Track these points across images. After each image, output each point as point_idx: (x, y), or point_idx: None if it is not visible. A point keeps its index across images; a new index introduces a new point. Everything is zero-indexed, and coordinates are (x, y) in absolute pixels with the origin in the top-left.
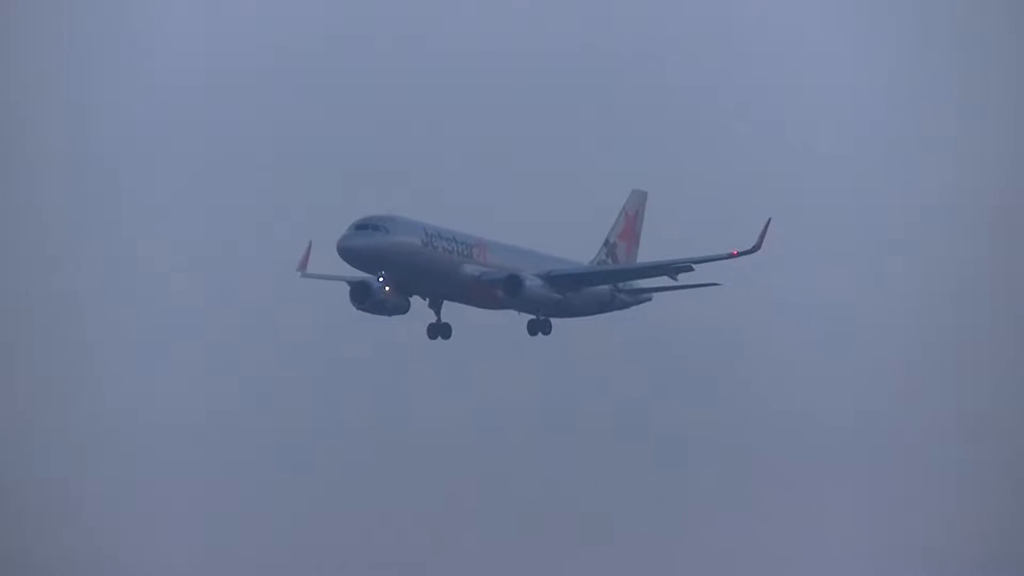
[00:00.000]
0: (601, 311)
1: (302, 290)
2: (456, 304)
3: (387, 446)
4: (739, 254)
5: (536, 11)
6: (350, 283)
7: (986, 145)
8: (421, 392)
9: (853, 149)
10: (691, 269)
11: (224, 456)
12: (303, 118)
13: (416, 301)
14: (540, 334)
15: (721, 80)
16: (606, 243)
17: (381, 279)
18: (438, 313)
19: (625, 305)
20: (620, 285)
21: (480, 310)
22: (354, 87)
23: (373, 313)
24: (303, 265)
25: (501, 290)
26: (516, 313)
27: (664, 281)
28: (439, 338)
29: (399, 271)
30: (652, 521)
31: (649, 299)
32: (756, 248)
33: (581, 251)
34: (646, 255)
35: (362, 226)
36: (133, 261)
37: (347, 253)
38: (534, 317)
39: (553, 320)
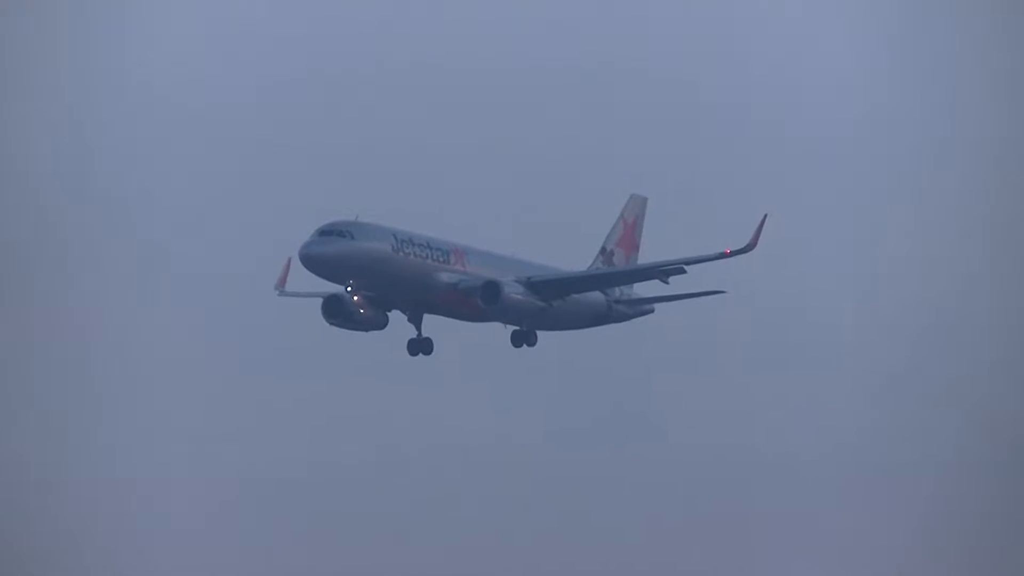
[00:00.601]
0: (597, 323)
1: (280, 309)
2: (438, 317)
3: (368, 471)
4: (732, 253)
5: (529, 12)
6: (323, 297)
7: (986, 141)
8: (402, 414)
9: (858, 150)
10: (683, 271)
11: (205, 477)
12: (287, 128)
13: (396, 316)
14: (525, 345)
15: (722, 81)
16: (602, 251)
17: (349, 289)
18: (418, 327)
19: (624, 317)
20: (617, 295)
21: (463, 323)
22: (342, 91)
23: (347, 328)
24: (282, 283)
25: (479, 297)
26: (503, 326)
27: (665, 289)
28: (420, 354)
29: (368, 280)
30: (647, 550)
31: (651, 311)
32: (751, 247)
33: (576, 260)
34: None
35: (326, 232)
36: (111, 279)
37: (309, 261)
38: (519, 328)
39: (548, 333)
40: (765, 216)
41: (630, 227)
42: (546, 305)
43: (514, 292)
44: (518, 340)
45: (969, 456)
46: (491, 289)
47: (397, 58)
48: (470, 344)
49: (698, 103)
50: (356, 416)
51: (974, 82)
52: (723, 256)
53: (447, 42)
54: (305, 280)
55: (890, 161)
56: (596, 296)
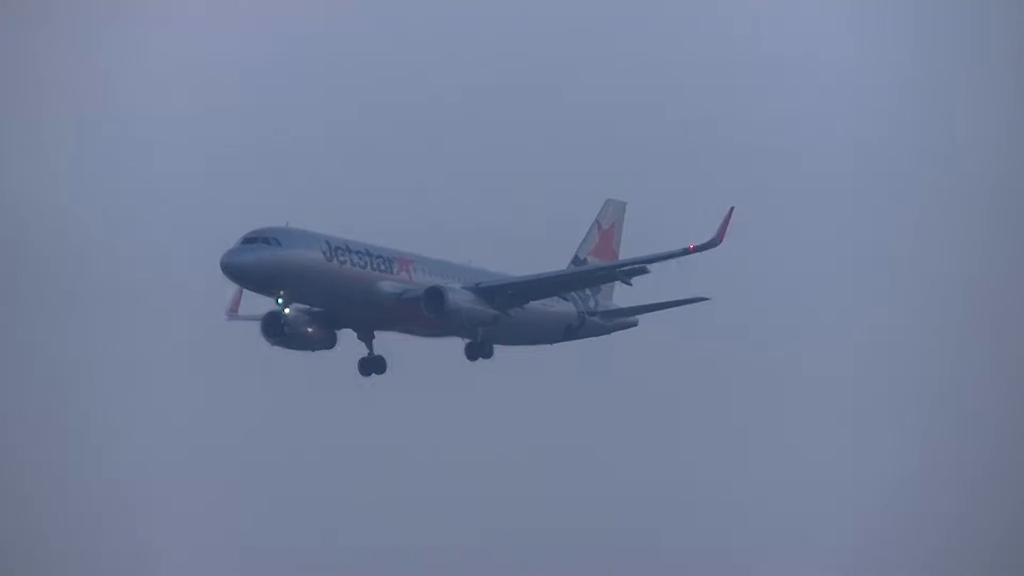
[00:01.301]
0: (569, 337)
1: (223, 333)
2: (393, 335)
3: (323, 498)
4: (697, 248)
5: (504, 14)
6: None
7: (981, 143)
8: (354, 439)
9: (845, 155)
10: (646, 271)
11: (150, 507)
12: (250, 141)
13: (346, 335)
14: (480, 358)
15: (707, 83)
16: (575, 261)
17: (280, 302)
18: (370, 345)
19: (601, 330)
20: (592, 306)
21: (419, 339)
22: (310, 95)
23: (291, 348)
24: (234, 308)
25: (422, 305)
26: (462, 341)
27: (646, 298)
28: (373, 374)
29: (299, 292)
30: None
31: (634, 323)
32: (717, 241)
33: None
34: None
35: (250, 239)
36: (54, 300)
37: (232, 270)
38: (472, 340)
39: (518, 348)
40: (731, 209)
41: (606, 234)
42: (499, 313)
43: (461, 299)
44: (472, 353)
45: (969, 463)
46: (434, 296)
47: (372, 64)
48: (426, 361)
49: (682, 106)
50: (303, 444)
51: (964, 83)
52: (687, 252)
53: (421, 45)
54: (259, 303)
55: (879, 167)
56: (565, 307)
